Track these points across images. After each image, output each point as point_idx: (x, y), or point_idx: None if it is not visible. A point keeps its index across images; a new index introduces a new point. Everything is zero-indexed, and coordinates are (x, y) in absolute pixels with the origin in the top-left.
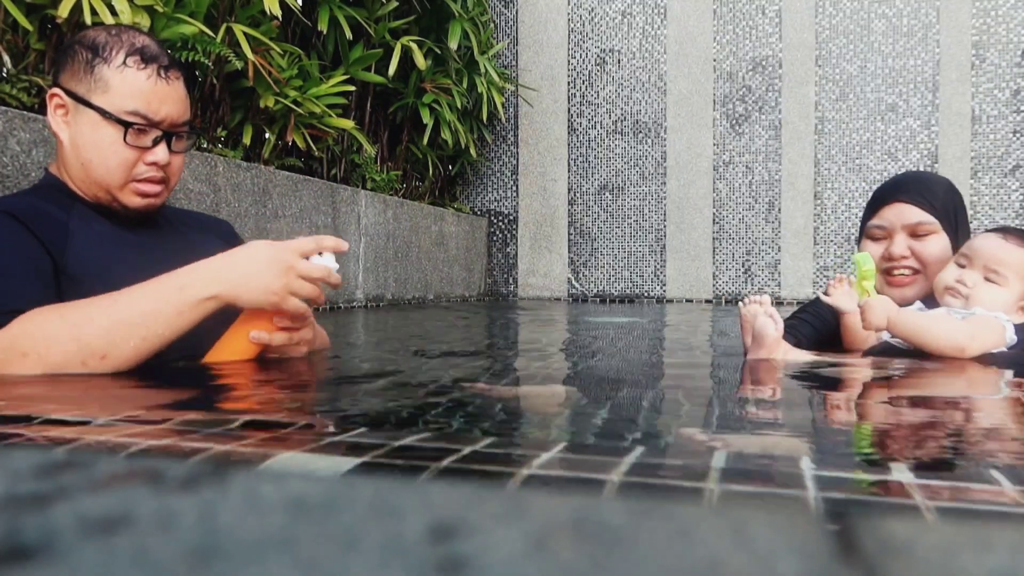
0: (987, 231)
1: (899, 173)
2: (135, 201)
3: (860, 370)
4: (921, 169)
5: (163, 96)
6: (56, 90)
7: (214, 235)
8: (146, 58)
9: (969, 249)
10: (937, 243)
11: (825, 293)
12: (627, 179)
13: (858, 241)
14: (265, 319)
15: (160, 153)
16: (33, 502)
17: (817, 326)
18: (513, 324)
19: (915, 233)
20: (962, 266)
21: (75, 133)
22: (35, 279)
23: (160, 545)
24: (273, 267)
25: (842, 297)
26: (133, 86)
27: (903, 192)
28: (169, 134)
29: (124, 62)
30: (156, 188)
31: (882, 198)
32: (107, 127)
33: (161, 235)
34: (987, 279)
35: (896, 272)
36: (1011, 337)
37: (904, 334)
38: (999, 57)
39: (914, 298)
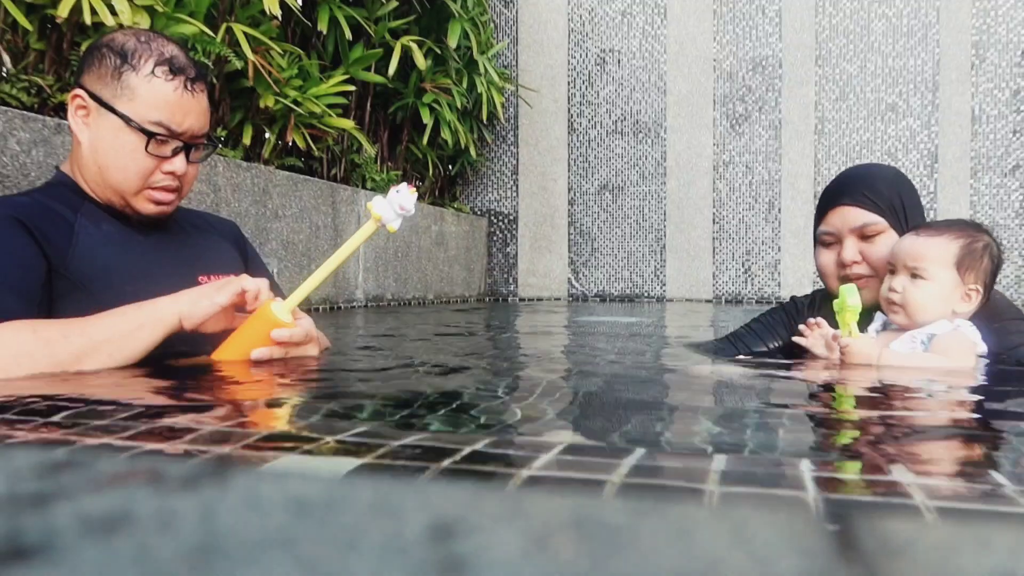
0: (906, 233)
1: (843, 171)
2: (148, 208)
3: (864, 373)
4: (877, 164)
5: (188, 108)
6: (79, 91)
7: (222, 236)
8: (174, 69)
9: (891, 255)
10: (886, 243)
11: (800, 335)
12: (627, 179)
13: (815, 247)
14: (264, 334)
15: (178, 163)
16: (33, 502)
17: (765, 338)
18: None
19: (863, 235)
20: (892, 274)
21: (95, 136)
22: (19, 293)
23: (161, 545)
24: (217, 284)
25: (817, 342)
26: (160, 97)
27: (845, 194)
28: (189, 145)
29: (152, 72)
30: (170, 196)
31: (827, 202)
32: (129, 134)
33: (170, 236)
34: (914, 278)
35: (852, 278)
36: (981, 349)
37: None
38: (999, 57)
39: (871, 300)
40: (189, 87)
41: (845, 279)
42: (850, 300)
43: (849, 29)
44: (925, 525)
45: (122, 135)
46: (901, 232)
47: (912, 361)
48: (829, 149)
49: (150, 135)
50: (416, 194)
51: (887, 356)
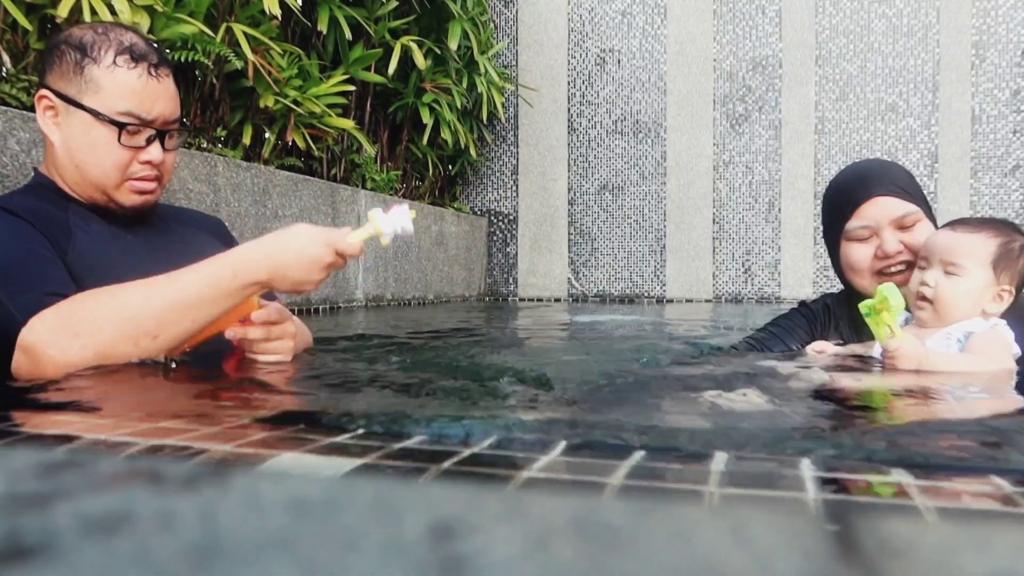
0: (940, 227)
1: (852, 167)
2: (132, 199)
3: (878, 376)
4: (877, 158)
5: (155, 95)
6: (45, 92)
7: (208, 232)
8: (135, 56)
9: (925, 249)
10: (924, 230)
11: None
12: (627, 179)
13: (833, 249)
14: (238, 314)
15: (154, 152)
16: (33, 502)
17: (786, 340)
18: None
19: (902, 225)
20: (923, 268)
21: (67, 135)
22: (60, 266)
23: (161, 545)
24: (316, 264)
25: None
26: (124, 86)
27: (877, 186)
28: (162, 132)
29: (114, 61)
30: (151, 185)
31: (856, 196)
32: (100, 128)
33: (156, 234)
34: (947, 273)
35: (892, 270)
36: (1016, 350)
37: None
38: (999, 57)
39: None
40: (153, 73)
41: (883, 272)
42: (893, 300)
43: (849, 29)
44: (925, 525)
45: (93, 130)
46: (931, 219)
47: (956, 363)
48: (829, 149)
49: (121, 126)
50: (414, 216)
51: (934, 359)
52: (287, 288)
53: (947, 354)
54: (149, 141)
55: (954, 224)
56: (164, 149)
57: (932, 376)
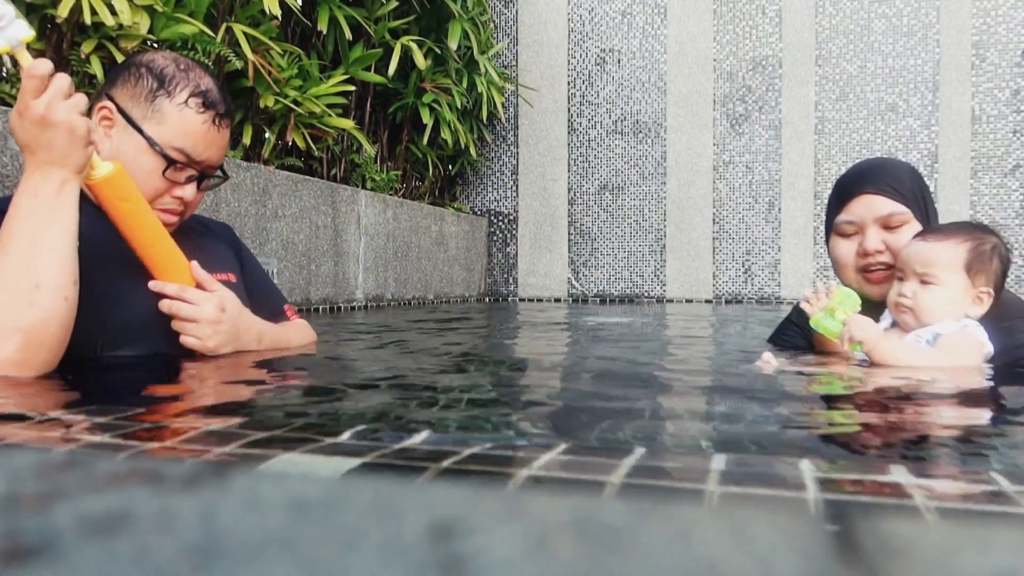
0: (913, 237)
1: (858, 163)
2: None
3: (872, 375)
4: (892, 157)
5: (211, 141)
6: (108, 103)
7: (217, 238)
8: (207, 103)
9: (899, 260)
10: (910, 234)
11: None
12: (627, 179)
13: (826, 239)
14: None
15: (189, 191)
16: (33, 502)
17: (800, 344)
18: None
19: (887, 225)
20: (900, 279)
21: (115, 149)
22: None
23: (161, 545)
24: (32, 118)
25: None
26: (188, 126)
27: (869, 183)
28: (203, 175)
29: (186, 101)
30: (173, 218)
31: (848, 191)
32: (150, 156)
33: None
34: (923, 283)
35: (872, 268)
36: (988, 349)
37: (886, 365)
38: (999, 57)
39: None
40: (217, 122)
41: (865, 269)
42: (844, 303)
43: (849, 29)
44: (925, 525)
45: (142, 156)
46: (924, 224)
47: (914, 351)
48: (829, 149)
49: (170, 161)
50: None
51: (894, 339)
52: (61, 150)
53: (905, 341)
54: (188, 180)
55: (924, 234)
56: (199, 189)
57: (916, 374)
